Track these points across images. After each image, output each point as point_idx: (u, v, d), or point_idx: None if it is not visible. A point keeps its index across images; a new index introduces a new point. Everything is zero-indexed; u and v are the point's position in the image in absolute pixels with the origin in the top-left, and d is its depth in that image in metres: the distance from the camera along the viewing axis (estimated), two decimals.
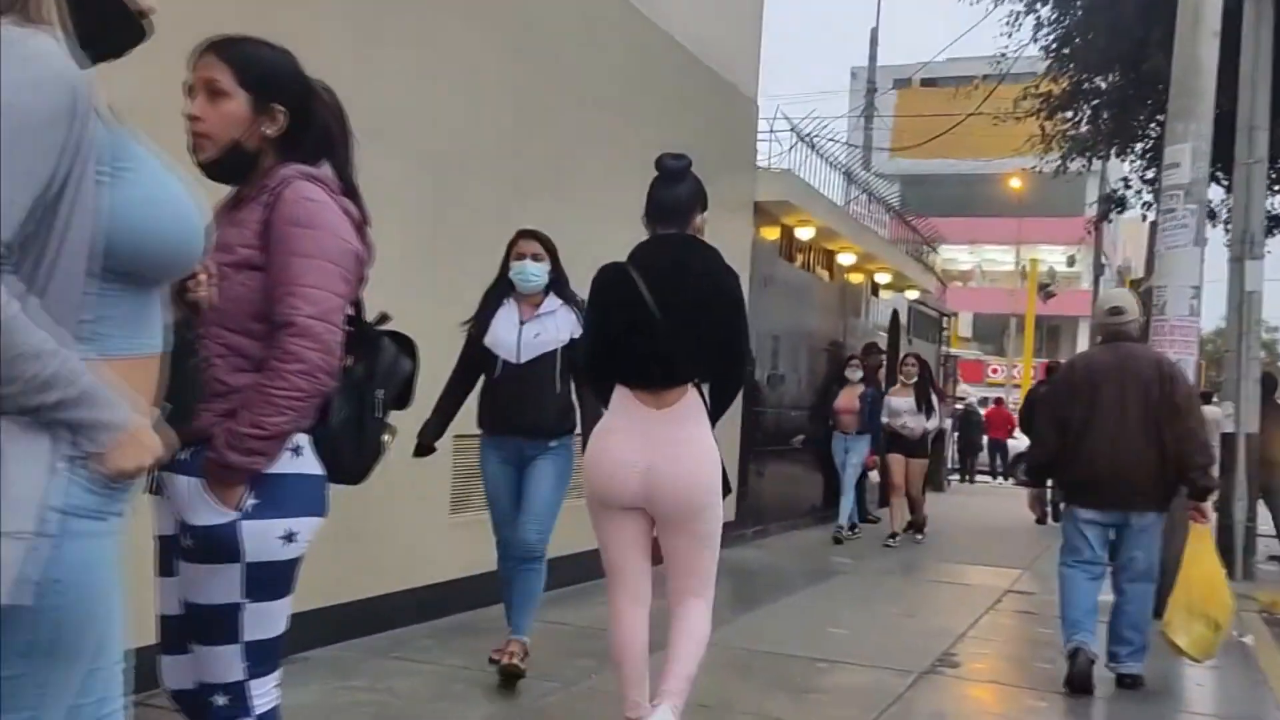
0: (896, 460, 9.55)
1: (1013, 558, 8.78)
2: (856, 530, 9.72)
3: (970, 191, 40.79)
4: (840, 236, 10.49)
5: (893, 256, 12.52)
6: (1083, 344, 33.14)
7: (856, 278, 12.07)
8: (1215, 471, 5.03)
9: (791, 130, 9.29)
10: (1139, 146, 12.96)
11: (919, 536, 9.82)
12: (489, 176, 5.47)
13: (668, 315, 3.08)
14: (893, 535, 9.46)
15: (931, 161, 40.12)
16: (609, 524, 3.19)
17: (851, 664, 4.90)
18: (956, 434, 20.95)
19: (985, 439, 21.94)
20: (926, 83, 43.47)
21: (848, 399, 9.50)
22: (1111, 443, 4.54)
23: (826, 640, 5.41)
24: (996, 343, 38.25)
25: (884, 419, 9.42)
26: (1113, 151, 13.22)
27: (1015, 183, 37.30)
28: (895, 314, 13.78)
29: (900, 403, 9.52)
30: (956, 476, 20.32)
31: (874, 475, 9.92)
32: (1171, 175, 6.64)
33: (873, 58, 23.58)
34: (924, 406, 9.44)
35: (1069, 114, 12.67)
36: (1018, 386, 28.65)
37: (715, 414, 3.18)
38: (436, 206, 5.10)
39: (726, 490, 3.20)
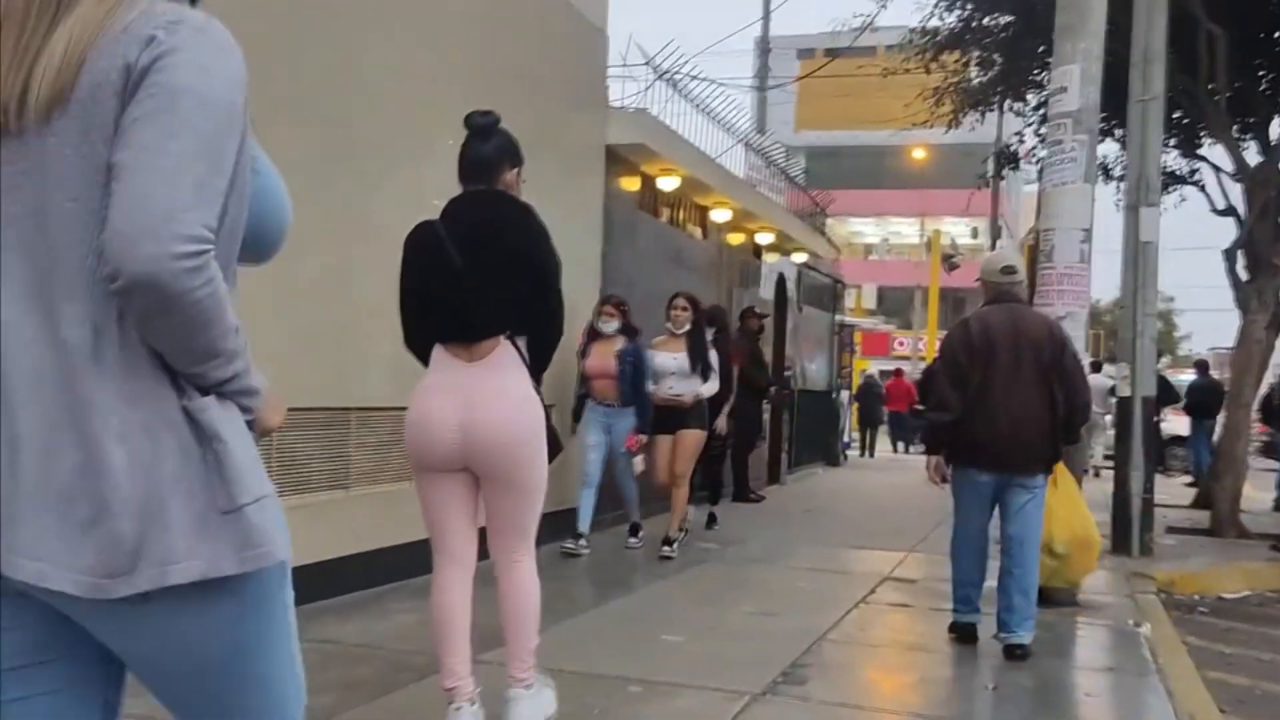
0: (662, 442, 7.03)
1: (899, 538, 7.96)
2: (583, 542, 6.82)
3: (878, 164, 40.74)
4: (712, 190, 9.54)
5: (776, 215, 11.63)
6: None
7: (736, 238, 11.17)
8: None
9: (647, 64, 8.27)
10: (1032, 99, 12.32)
11: (667, 549, 6.88)
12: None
13: (473, 268, 3.09)
14: (667, 542, 6.91)
15: (838, 133, 39.90)
16: (430, 483, 3.15)
17: (671, 685, 3.96)
18: (855, 405, 20.44)
19: (885, 411, 21.50)
20: (830, 53, 43.21)
21: (600, 359, 6.79)
22: (1009, 403, 4.48)
23: (652, 653, 4.46)
24: (903, 316, 38.05)
25: (649, 385, 6.91)
26: (1005, 102, 12.52)
27: (918, 153, 37.18)
28: (781, 278, 12.92)
29: (666, 360, 6.96)
30: (857, 451, 19.81)
31: (638, 463, 6.90)
32: (1059, 101, 5.83)
33: (766, 15, 22.64)
34: (699, 365, 6.97)
35: (957, 54, 11.98)
36: (924, 359, 28.29)
37: (536, 367, 3.17)
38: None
39: (556, 449, 3.19)
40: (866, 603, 5.73)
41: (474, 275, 3.08)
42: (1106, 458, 12.35)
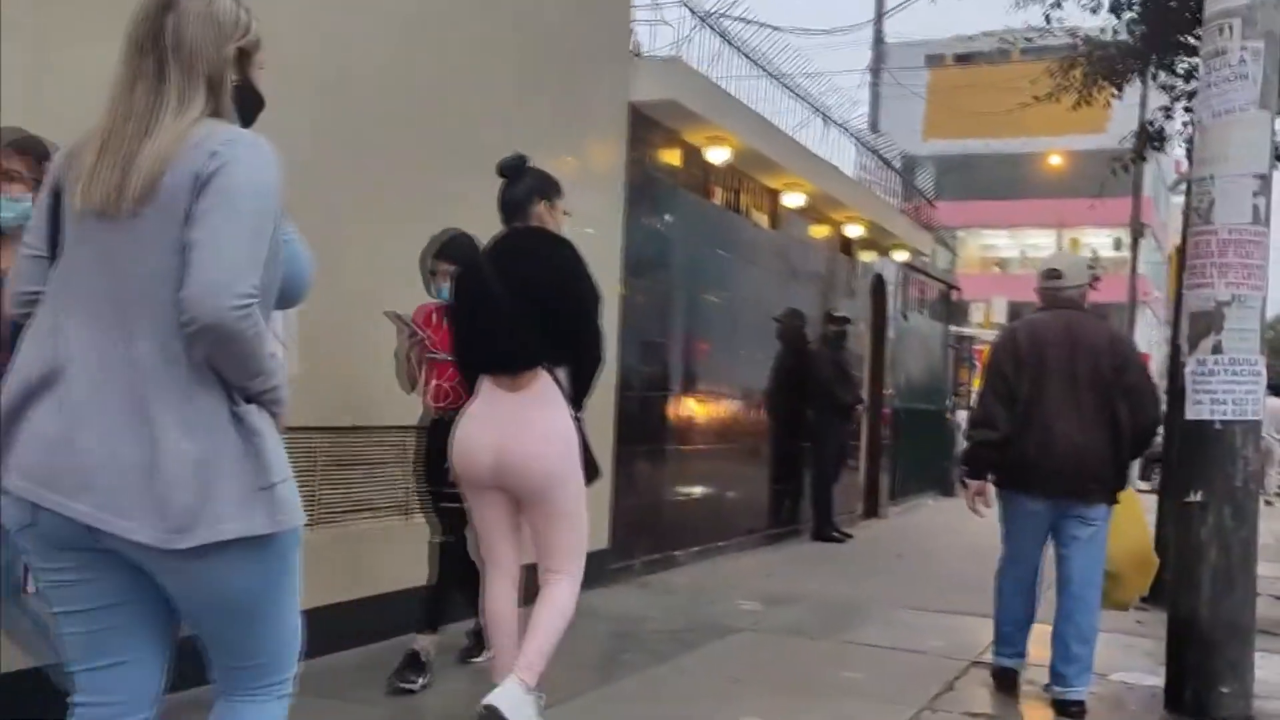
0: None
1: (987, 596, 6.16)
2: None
3: (1012, 174, 38.54)
4: (779, 167, 7.93)
5: (868, 204, 9.92)
6: (1138, 332, 30.68)
7: (820, 230, 9.52)
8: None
9: (684, 4, 6.71)
10: (1180, 66, 10.27)
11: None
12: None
13: (514, 302, 3.23)
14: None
15: (970, 142, 37.58)
16: (476, 500, 3.37)
17: None
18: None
19: None
20: (960, 59, 40.88)
21: None
22: (1064, 421, 4.08)
23: None
24: None
25: None
26: (1149, 70, 10.47)
27: (1055, 159, 34.57)
28: (879, 279, 11.16)
29: None
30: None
31: None
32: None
33: (879, 13, 20.76)
34: None
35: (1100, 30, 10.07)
36: None
37: (577, 396, 3.31)
38: None
39: (594, 474, 3.34)
40: (934, 709, 4.05)
41: (515, 308, 3.22)
42: None
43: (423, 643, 3.95)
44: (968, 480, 4.34)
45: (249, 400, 1.73)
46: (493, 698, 3.04)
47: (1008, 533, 4.32)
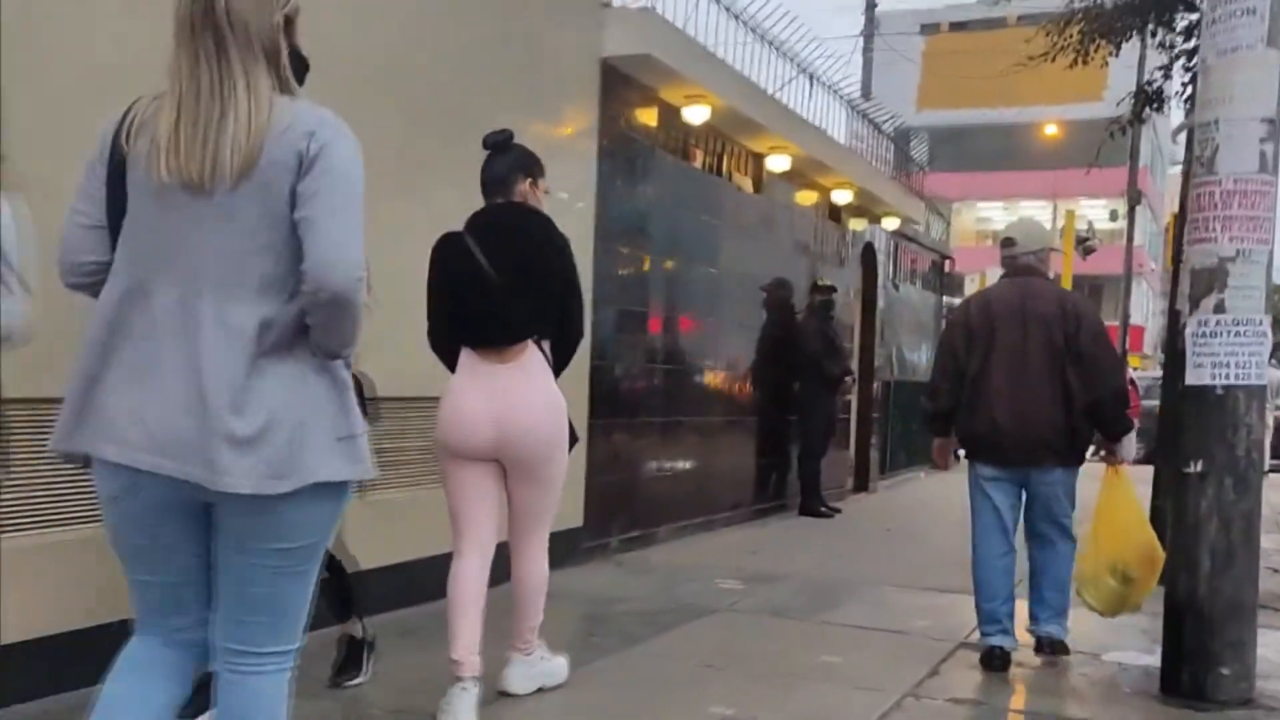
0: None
1: None
2: None
3: (1007, 144, 38.25)
4: (763, 128, 7.62)
5: (857, 169, 9.60)
6: (1134, 305, 30.48)
7: (807, 196, 9.21)
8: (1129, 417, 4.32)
9: None
10: (1180, 22, 9.93)
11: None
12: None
13: (501, 275, 3.30)
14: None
15: (964, 112, 37.15)
16: (458, 472, 3.37)
17: None
18: None
19: None
20: (955, 26, 40.37)
21: None
22: (1013, 391, 4.14)
23: None
24: None
25: None
26: (1148, 26, 10.10)
27: (1051, 129, 34.19)
28: (869, 248, 10.86)
29: None
30: None
31: None
32: None
33: None
34: None
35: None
36: None
37: (558, 368, 3.41)
38: None
39: (574, 441, 3.45)
40: (918, 695, 3.80)
41: (504, 283, 3.28)
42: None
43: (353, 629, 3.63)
44: (935, 438, 4.56)
45: (335, 359, 1.86)
46: (508, 685, 3.49)
47: (972, 506, 4.35)
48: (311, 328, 1.81)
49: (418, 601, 4.45)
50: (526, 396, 3.29)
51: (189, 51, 1.79)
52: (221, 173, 1.75)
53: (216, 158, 1.75)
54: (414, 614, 4.39)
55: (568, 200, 5.54)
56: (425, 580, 4.17)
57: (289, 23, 1.89)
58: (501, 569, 3.49)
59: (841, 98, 10.10)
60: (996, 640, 4.18)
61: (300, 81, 1.92)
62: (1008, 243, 4.40)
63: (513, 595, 3.49)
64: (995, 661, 4.17)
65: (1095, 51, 10.24)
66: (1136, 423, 4.96)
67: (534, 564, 3.47)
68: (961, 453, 4.51)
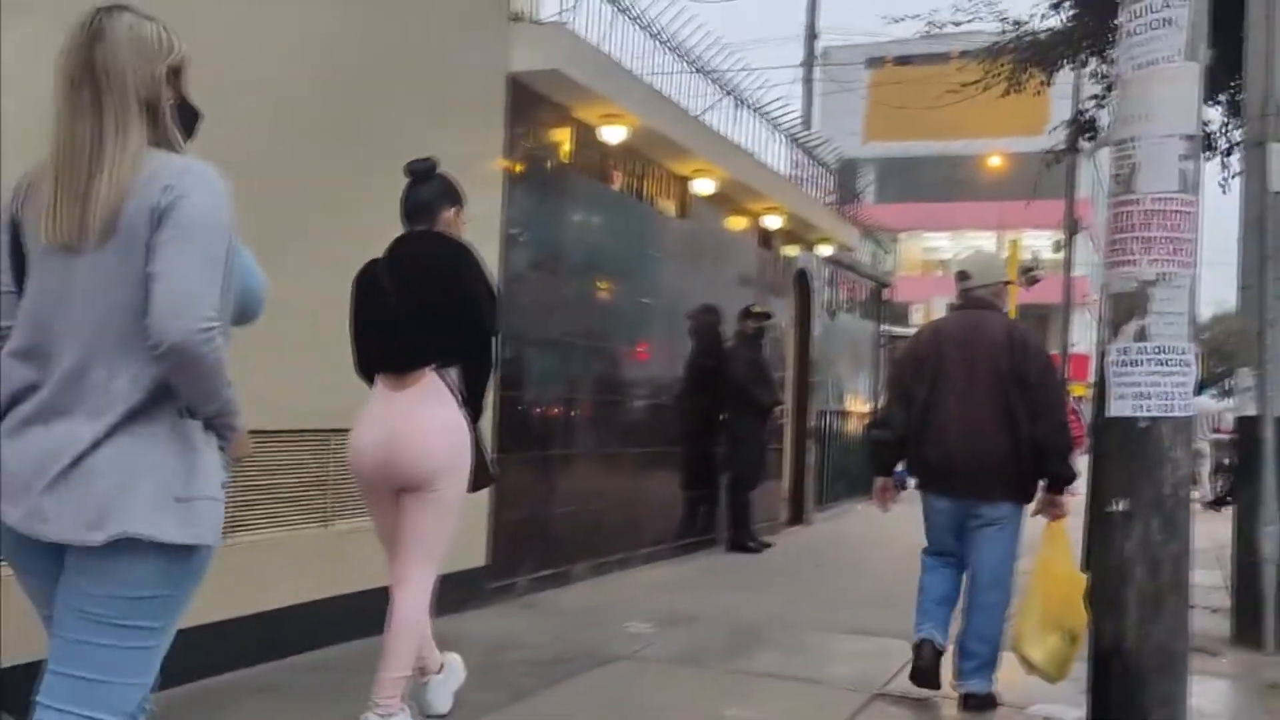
0: None
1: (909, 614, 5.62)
2: None
3: (952, 176, 38.70)
4: (685, 150, 7.35)
5: (788, 194, 9.38)
6: (1075, 334, 30.77)
7: (736, 222, 8.96)
8: (1074, 460, 4.36)
9: None
10: (1112, 52, 9.86)
11: None
12: None
13: (403, 302, 3.32)
14: None
15: (911, 144, 37.49)
16: (375, 507, 3.42)
17: None
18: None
19: None
20: (900, 61, 40.80)
21: None
22: (958, 422, 4.09)
23: None
24: None
25: None
26: (1081, 58, 10.05)
27: (995, 161, 34.56)
28: (802, 274, 10.64)
29: None
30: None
31: None
32: None
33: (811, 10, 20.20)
34: None
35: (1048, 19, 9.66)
36: None
37: (473, 399, 3.36)
38: None
39: (489, 479, 3.46)
40: None
41: (403, 309, 3.32)
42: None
43: None
44: (875, 477, 4.50)
45: (197, 419, 1.84)
46: None
47: (926, 528, 4.35)
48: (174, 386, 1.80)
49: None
50: (417, 423, 3.24)
51: (67, 108, 1.81)
52: (87, 231, 1.76)
53: (83, 216, 1.76)
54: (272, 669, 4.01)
55: (469, 221, 5.21)
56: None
57: (175, 73, 1.89)
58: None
59: (777, 127, 9.91)
60: (926, 633, 4.14)
61: (191, 131, 1.92)
62: (962, 276, 4.41)
63: (384, 636, 3.27)
64: (924, 656, 4.10)
65: (1028, 81, 10.22)
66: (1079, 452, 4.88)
67: (411, 599, 3.29)
68: (912, 483, 4.49)
